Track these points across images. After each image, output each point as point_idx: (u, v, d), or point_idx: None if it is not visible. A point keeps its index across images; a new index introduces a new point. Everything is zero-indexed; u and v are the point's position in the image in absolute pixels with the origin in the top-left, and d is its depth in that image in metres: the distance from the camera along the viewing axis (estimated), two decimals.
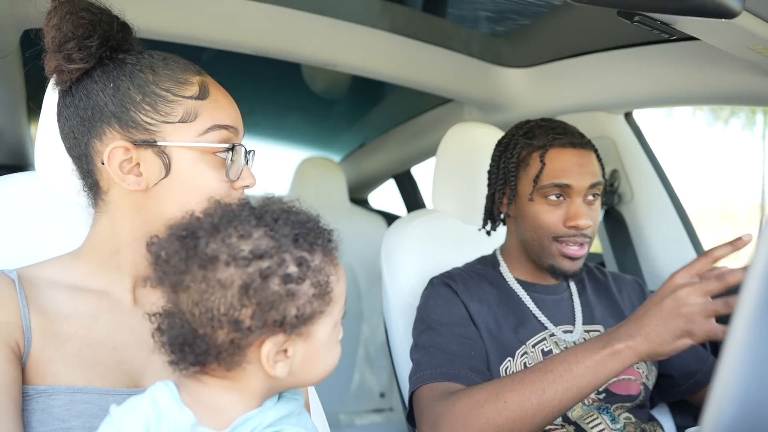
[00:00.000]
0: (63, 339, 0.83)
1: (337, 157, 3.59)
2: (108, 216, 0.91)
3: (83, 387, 0.81)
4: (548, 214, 1.28)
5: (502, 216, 1.40)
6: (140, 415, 0.67)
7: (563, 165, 1.27)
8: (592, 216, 1.28)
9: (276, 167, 3.46)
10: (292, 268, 0.67)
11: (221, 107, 0.92)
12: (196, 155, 0.89)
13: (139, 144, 0.87)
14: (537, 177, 1.29)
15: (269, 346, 0.67)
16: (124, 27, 0.94)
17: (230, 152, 0.91)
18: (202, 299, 0.65)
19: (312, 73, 2.40)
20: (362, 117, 3.12)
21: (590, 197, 1.29)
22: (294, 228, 0.70)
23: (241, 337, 0.66)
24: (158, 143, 0.87)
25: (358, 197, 3.51)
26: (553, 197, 1.27)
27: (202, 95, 0.90)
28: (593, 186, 1.28)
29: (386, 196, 3.62)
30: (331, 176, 2.86)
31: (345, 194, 2.88)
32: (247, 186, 0.94)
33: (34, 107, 2.10)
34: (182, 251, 0.67)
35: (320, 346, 0.71)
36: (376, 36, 1.76)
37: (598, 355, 1.01)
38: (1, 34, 1.40)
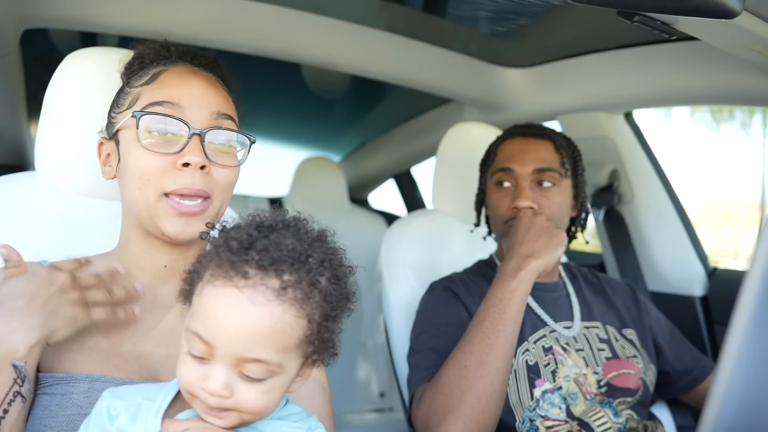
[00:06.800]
0: (83, 330, 0.86)
1: (337, 157, 3.59)
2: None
3: (102, 376, 0.85)
4: (500, 201, 1.35)
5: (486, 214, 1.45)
6: None
7: (509, 152, 1.35)
8: (540, 201, 1.30)
9: (276, 167, 3.45)
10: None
11: (163, 87, 0.91)
12: (132, 135, 0.89)
13: (105, 138, 0.96)
14: (491, 167, 1.38)
15: None
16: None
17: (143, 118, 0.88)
18: None
19: (312, 73, 2.40)
20: (362, 117, 3.11)
21: (543, 184, 1.31)
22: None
23: None
24: (109, 133, 0.95)
25: (358, 197, 3.51)
26: (502, 184, 1.34)
27: (149, 81, 0.93)
28: (539, 171, 1.31)
29: (386, 196, 3.61)
30: (331, 176, 2.86)
31: (345, 194, 2.87)
32: (187, 164, 0.87)
33: (34, 107, 2.10)
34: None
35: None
36: (376, 36, 1.76)
37: (511, 285, 1.16)
38: (1, 34, 1.40)
